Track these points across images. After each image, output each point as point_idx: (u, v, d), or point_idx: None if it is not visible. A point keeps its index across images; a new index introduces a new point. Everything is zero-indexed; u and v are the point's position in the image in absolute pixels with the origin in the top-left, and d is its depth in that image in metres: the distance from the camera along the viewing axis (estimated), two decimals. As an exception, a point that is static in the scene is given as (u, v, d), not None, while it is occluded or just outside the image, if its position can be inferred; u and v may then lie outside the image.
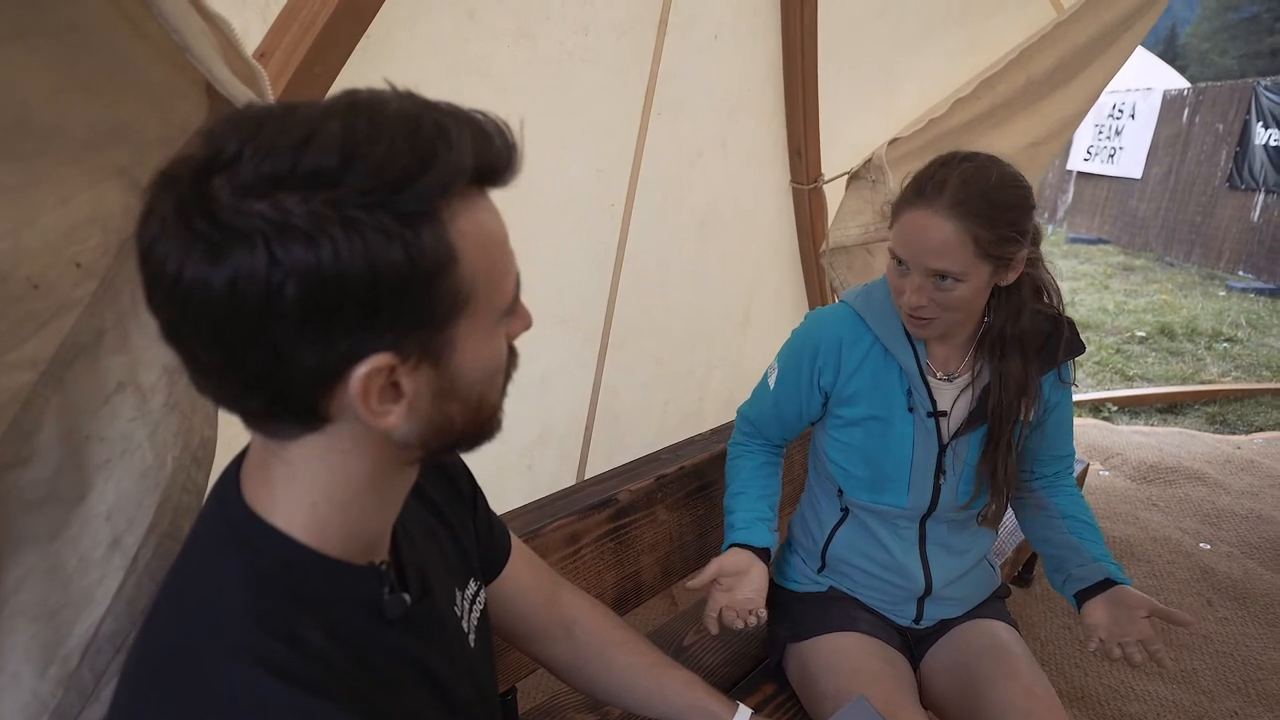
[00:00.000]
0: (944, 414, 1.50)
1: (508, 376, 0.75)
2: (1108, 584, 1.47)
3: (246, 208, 0.54)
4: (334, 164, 0.55)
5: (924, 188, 1.33)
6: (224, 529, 0.71)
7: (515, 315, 0.73)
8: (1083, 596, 1.49)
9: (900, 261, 1.38)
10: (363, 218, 0.56)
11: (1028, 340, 1.45)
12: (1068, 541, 1.56)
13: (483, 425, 0.73)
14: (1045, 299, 1.49)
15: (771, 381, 1.63)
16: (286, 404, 0.62)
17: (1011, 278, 1.38)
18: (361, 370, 0.60)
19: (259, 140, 0.56)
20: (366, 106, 0.58)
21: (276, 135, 0.56)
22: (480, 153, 0.61)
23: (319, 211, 0.55)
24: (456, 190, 0.61)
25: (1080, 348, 1.50)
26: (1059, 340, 1.47)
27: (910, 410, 1.50)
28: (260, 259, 0.54)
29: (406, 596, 0.78)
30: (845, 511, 1.63)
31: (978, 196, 1.30)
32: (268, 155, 0.55)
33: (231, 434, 1.08)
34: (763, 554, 1.54)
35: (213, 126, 0.59)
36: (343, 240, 0.55)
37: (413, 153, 0.57)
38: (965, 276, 1.32)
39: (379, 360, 0.60)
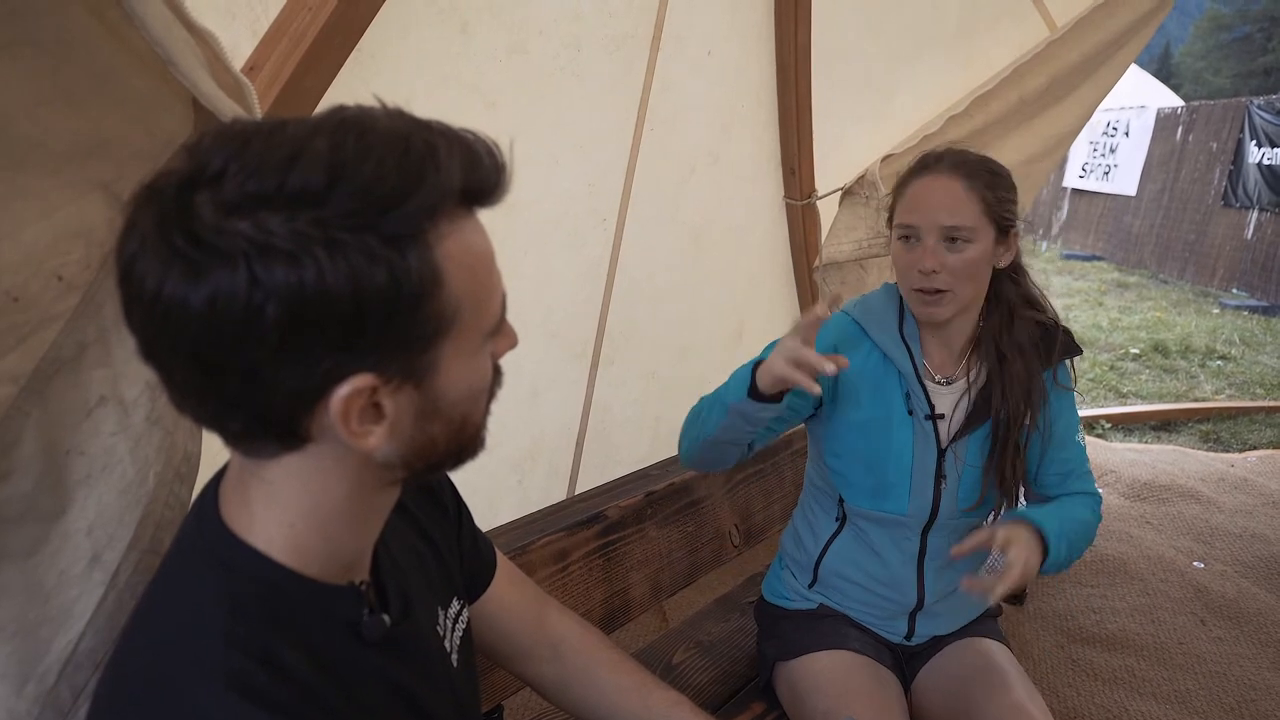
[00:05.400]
0: (941, 417, 1.51)
1: (492, 396, 0.74)
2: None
3: (229, 227, 0.53)
4: (320, 184, 0.54)
5: (926, 161, 1.45)
6: (201, 548, 0.70)
7: (501, 335, 0.72)
8: None
9: (908, 237, 1.43)
10: (347, 239, 0.55)
11: (1023, 343, 1.48)
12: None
13: (465, 445, 0.72)
14: (1037, 309, 1.53)
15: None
16: (266, 424, 0.62)
17: (1008, 259, 1.46)
18: (342, 391, 0.59)
19: (245, 157, 0.55)
20: (355, 124, 0.58)
21: (263, 153, 0.55)
22: (469, 174, 0.61)
23: (303, 232, 0.54)
24: (444, 211, 0.60)
25: (1076, 350, 1.53)
26: (1053, 343, 1.50)
27: (909, 413, 1.51)
28: (241, 279, 0.53)
29: (386, 617, 0.77)
30: (841, 522, 1.62)
31: (975, 162, 1.44)
32: (253, 173, 0.54)
33: (218, 446, 1.07)
34: None
35: (198, 141, 0.58)
36: (326, 262, 0.54)
37: (401, 174, 0.57)
38: (974, 236, 1.39)
39: (360, 381, 0.60)
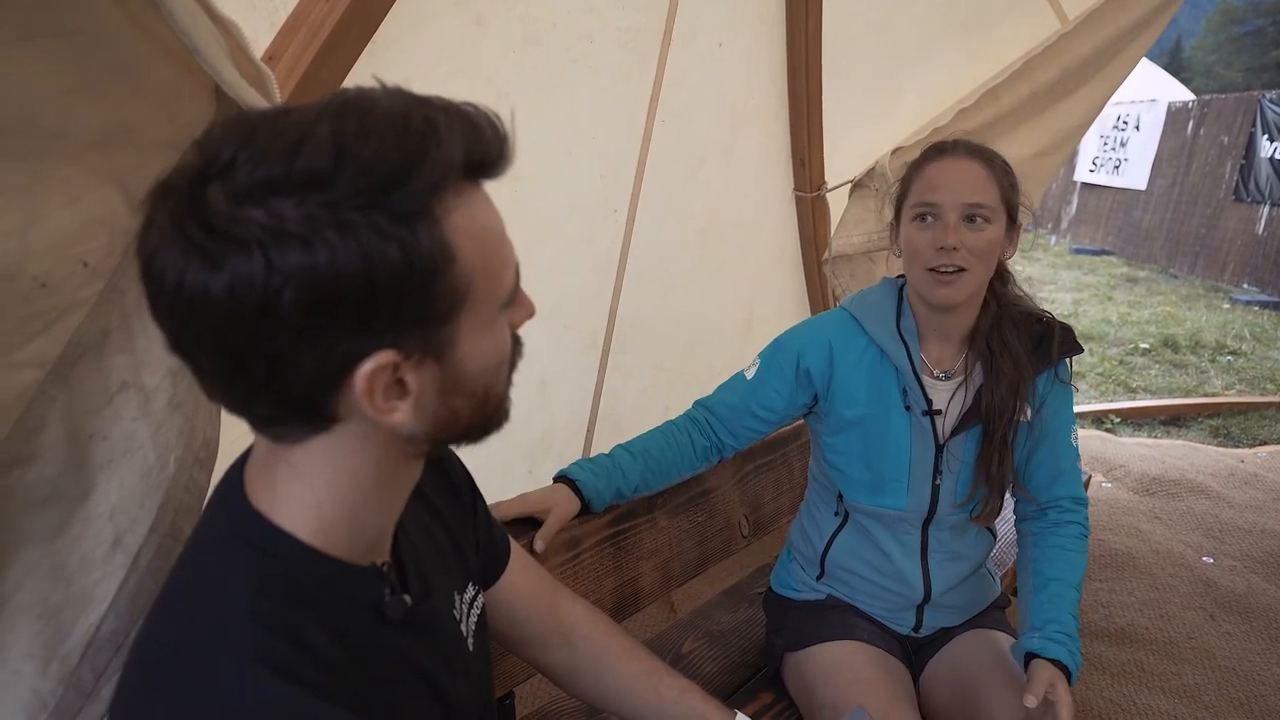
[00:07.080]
0: (939, 412, 1.51)
1: (513, 366, 0.75)
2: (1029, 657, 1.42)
3: (242, 215, 0.55)
4: (326, 167, 0.55)
5: (944, 145, 1.46)
6: (227, 529, 0.72)
7: (517, 305, 0.73)
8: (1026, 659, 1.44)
9: (925, 216, 1.42)
10: (357, 219, 0.56)
11: (1018, 338, 1.48)
12: (1025, 599, 1.52)
13: (490, 416, 0.74)
14: (1026, 305, 1.54)
15: (750, 374, 1.65)
16: (293, 407, 0.63)
17: (1011, 251, 1.48)
18: (365, 369, 0.61)
19: (253, 146, 0.56)
20: (356, 106, 0.59)
21: (269, 140, 0.56)
22: (471, 146, 0.62)
23: (314, 215, 0.55)
24: (449, 186, 0.61)
25: (1076, 348, 1.52)
26: (1052, 340, 1.50)
27: (906, 409, 1.51)
28: (257, 265, 0.54)
29: (407, 598, 0.79)
30: (844, 518, 1.63)
31: (990, 151, 1.46)
32: (261, 161, 0.55)
33: (235, 435, 1.09)
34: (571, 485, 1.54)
35: (207, 134, 0.59)
36: (338, 243, 0.55)
37: (403, 151, 0.58)
38: (993, 217, 1.40)
39: (382, 358, 0.61)
